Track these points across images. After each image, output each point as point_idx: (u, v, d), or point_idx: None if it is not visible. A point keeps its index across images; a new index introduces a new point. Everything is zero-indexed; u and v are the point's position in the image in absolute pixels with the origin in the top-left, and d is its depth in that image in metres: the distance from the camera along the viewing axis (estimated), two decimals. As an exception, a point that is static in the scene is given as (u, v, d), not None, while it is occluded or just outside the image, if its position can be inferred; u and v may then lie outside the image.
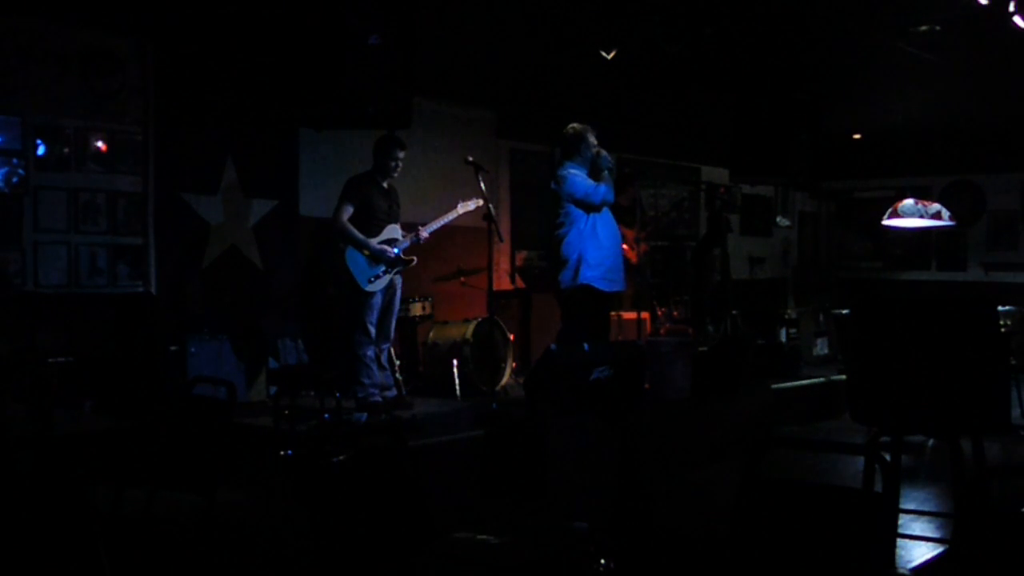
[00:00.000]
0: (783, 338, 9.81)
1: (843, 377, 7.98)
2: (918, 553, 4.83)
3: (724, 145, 9.32)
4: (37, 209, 6.55)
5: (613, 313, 8.44)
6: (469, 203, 7.17)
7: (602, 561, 3.24)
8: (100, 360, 6.43)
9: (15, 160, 6.44)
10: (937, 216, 9.06)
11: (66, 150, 6.69)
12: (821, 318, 10.86)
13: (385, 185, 6.93)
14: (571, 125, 7.15)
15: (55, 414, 3.97)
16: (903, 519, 5.24)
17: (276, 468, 5.80)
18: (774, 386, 8.50)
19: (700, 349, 8.02)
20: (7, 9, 6.37)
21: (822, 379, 9.15)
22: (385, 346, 7.00)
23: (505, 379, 7.91)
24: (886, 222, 9.40)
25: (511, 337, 8.06)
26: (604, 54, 7.43)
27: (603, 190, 6.97)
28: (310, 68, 6.47)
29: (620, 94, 9.08)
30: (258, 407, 6.95)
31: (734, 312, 9.41)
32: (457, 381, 7.63)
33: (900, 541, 4.93)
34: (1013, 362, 7.20)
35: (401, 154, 6.88)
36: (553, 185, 7.06)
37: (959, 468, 4.49)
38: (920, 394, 4.46)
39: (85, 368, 6.26)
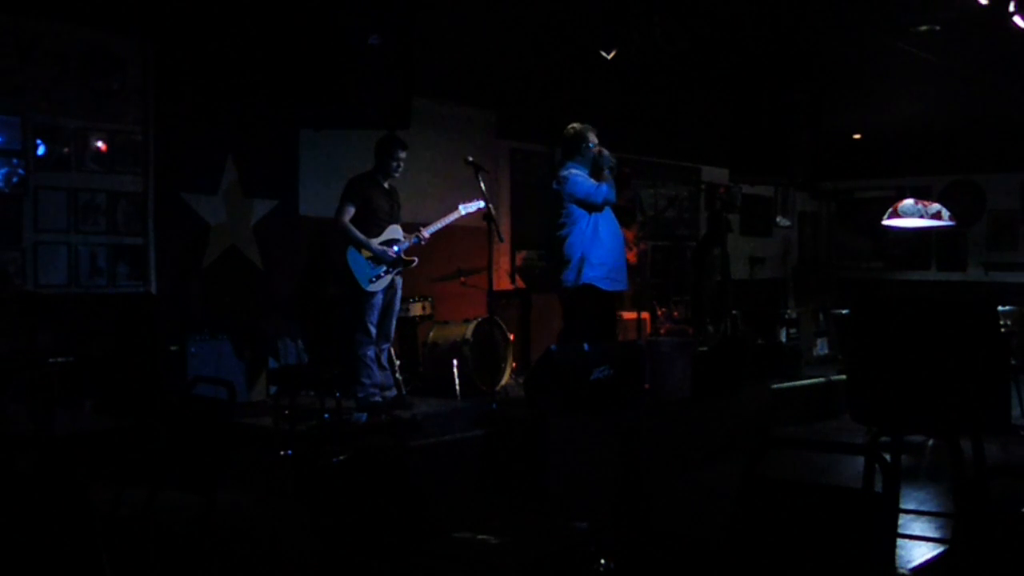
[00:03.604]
0: (783, 338, 9.80)
1: (843, 377, 8.00)
2: (918, 553, 4.83)
3: (724, 145, 9.31)
4: (37, 209, 6.55)
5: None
6: (470, 204, 7.16)
7: (602, 561, 3.24)
8: (100, 360, 6.42)
9: (15, 160, 6.44)
10: (937, 216, 9.07)
11: (66, 150, 6.69)
12: (821, 318, 10.85)
13: (386, 185, 6.94)
14: (571, 125, 7.15)
15: (55, 414, 3.96)
16: (903, 519, 5.24)
17: (276, 468, 5.80)
18: (774, 386, 8.50)
19: (700, 349, 8.02)
20: (7, 9, 6.37)
21: (822, 379, 9.14)
22: (385, 346, 7.00)
23: (505, 379, 7.91)
24: (886, 222, 9.40)
25: (511, 337, 8.06)
26: (604, 54, 7.42)
27: (605, 190, 6.97)
28: (310, 68, 6.46)
29: (620, 94, 9.07)
30: (258, 407, 6.95)
31: (734, 312, 9.41)
32: (457, 381, 7.63)
33: (900, 541, 4.92)
34: (1013, 362, 7.20)
35: (403, 154, 6.88)
36: (555, 185, 7.05)
37: (959, 468, 4.49)
38: (920, 394, 4.45)
39: (85, 368, 6.25)
